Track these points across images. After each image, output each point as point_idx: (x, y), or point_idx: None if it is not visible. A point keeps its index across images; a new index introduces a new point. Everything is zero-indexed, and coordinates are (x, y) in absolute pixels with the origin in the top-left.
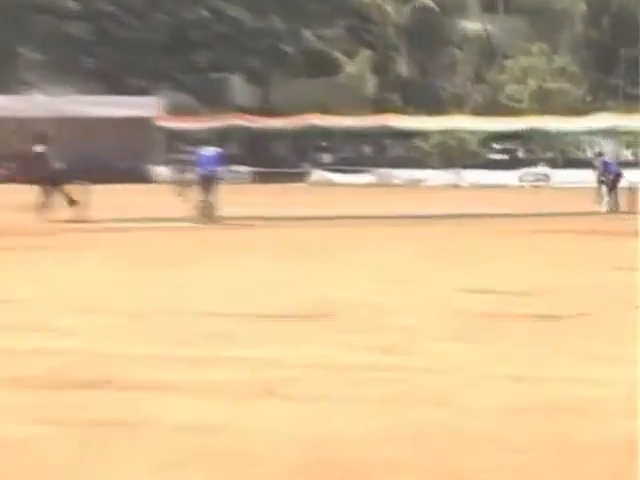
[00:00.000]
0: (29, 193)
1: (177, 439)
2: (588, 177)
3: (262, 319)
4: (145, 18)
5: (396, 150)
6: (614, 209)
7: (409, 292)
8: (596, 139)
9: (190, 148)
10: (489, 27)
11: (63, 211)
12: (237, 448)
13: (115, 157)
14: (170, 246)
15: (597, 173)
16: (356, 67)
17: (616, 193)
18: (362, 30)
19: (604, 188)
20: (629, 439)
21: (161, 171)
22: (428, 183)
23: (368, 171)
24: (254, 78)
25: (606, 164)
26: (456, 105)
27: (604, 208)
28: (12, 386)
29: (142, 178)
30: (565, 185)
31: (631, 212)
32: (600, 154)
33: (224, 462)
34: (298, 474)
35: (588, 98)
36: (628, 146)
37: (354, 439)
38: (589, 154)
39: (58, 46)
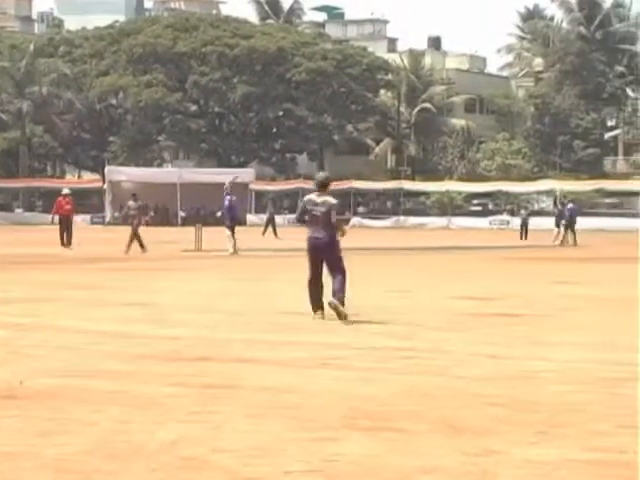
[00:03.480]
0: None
1: (260, 397)
2: (536, 222)
3: (322, 318)
4: (241, 116)
5: (408, 204)
6: (571, 244)
7: (414, 298)
8: (540, 197)
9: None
10: (469, 122)
11: (186, 244)
12: (301, 403)
13: (220, 209)
14: (256, 266)
15: (560, 216)
16: (381, 149)
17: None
18: (385, 124)
19: (562, 228)
20: (559, 399)
21: (251, 217)
22: (429, 226)
23: (389, 218)
24: (313, 157)
25: (572, 210)
26: (448, 174)
27: (558, 242)
28: (148, 359)
29: (238, 223)
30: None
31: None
32: (563, 204)
33: (292, 413)
34: (343, 419)
35: (535, 170)
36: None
37: (381, 396)
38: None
39: (183, 135)
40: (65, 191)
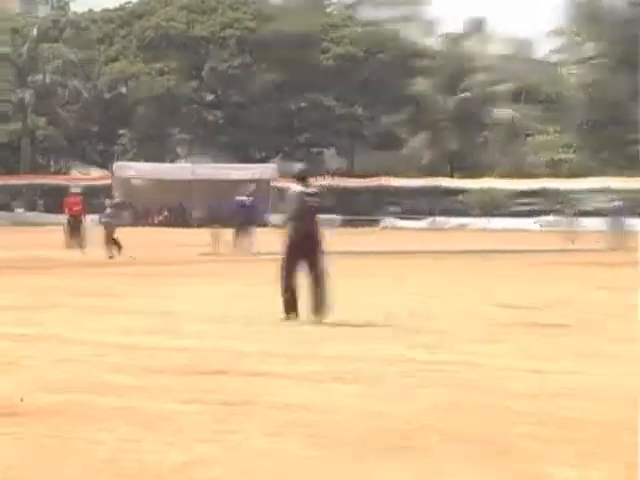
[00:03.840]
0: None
1: (277, 414)
2: (587, 222)
3: (339, 326)
4: (263, 107)
5: (445, 203)
6: (617, 245)
7: (446, 305)
8: (593, 195)
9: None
10: (514, 113)
11: (203, 247)
12: (319, 420)
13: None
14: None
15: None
16: (416, 143)
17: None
18: (420, 116)
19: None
20: (605, 417)
21: (273, 218)
22: (468, 228)
23: (424, 219)
24: (341, 151)
25: (616, 209)
26: (490, 171)
27: (608, 244)
28: (158, 373)
29: (261, 224)
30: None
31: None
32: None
33: (311, 431)
34: (365, 438)
35: (587, 165)
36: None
37: (406, 413)
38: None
39: (199, 128)
40: (74, 189)
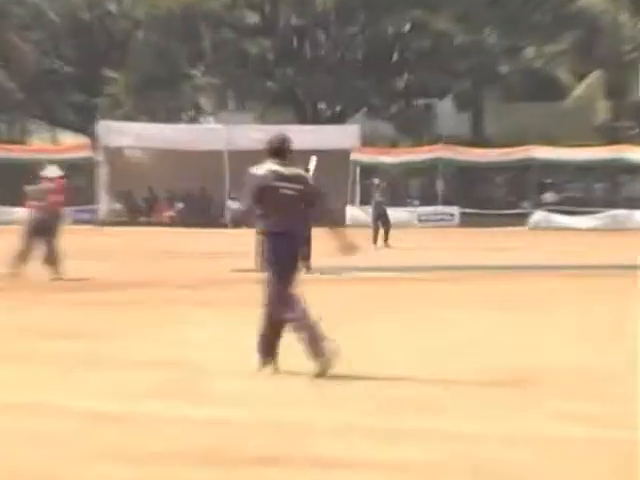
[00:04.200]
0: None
1: None
2: None
3: (459, 385)
4: (335, 34)
5: (634, 188)
6: None
7: (625, 353)
8: None
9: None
10: None
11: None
12: None
13: None
14: (351, 298)
15: None
16: (585, 90)
17: None
18: (593, 47)
19: None
20: None
21: (354, 212)
22: None
23: (600, 212)
24: (463, 103)
25: None
26: None
27: None
28: (172, 460)
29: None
30: None
31: None
32: None
33: None
34: None
35: None
36: None
37: None
38: None
39: (235, 67)
40: (51, 171)
